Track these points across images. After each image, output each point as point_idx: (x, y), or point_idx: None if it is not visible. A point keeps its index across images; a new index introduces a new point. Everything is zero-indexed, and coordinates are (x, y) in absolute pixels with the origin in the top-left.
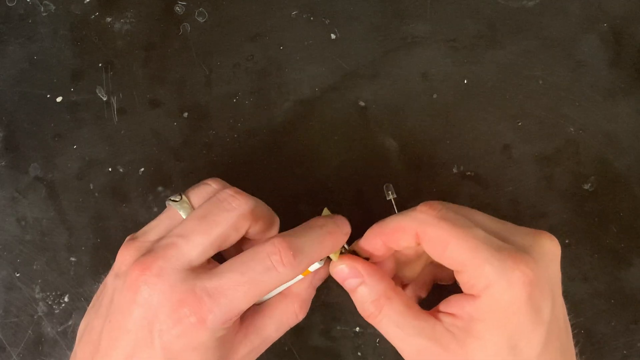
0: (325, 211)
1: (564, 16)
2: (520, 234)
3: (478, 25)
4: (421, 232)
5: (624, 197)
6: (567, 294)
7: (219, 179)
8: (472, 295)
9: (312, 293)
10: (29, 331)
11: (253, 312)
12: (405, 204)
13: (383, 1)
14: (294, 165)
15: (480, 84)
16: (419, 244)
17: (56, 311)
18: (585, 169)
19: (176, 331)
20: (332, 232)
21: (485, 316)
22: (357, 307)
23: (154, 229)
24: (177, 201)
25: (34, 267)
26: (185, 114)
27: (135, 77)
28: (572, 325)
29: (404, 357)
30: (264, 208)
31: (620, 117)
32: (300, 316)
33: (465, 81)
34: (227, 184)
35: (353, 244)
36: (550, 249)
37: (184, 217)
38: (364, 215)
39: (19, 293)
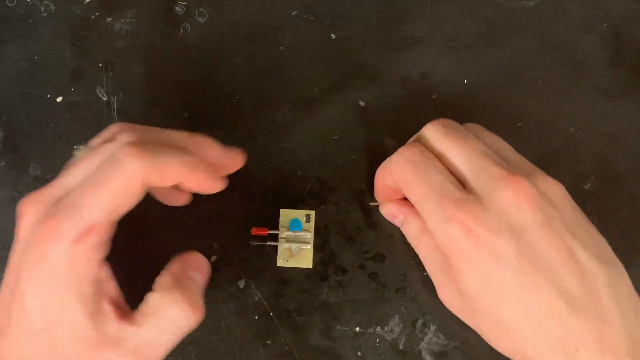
0: (283, 213)
1: (564, 16)
2: (484, 177)
3: (478, 25)
4: (393, 175)
5: (624, 197)
6: None
7: (125, 123)
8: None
9: (192, 286)
10: None
11: (136, 311)
12: None
13: (383, 1)
14: (294, 165)
15: (480, 84)
16: None
17: None
18: (585, 169)
19: (33, 265)
20: (197, 161)
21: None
22: (406, 235)
23: (55, 185)
24: (80, 149)
25: None
26: (185, 114)
27: (135, 77)
28: None
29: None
30: (173, 158)
31: (620, 117)
32: (190, 312)
33: (465, 81)
34: (131, 128)
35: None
36: (507, 199)
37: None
38: (364, 215)
39: None
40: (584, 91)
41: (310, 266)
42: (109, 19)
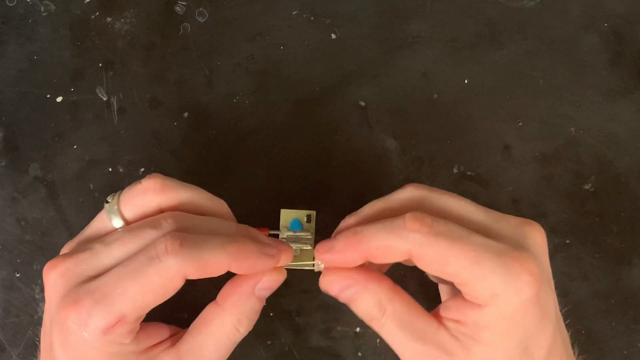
0: (284, 213)
1: (564, 16)
2: (510, 226)
3: (478, 25)
4: (416, 253)
5: (624, 197)
6: (567, 294)
7: (159, 180)
8: (476, 304)
9: (255, 304)
10: (29, 331)
11: (187, 332)
12: None
13: (383, 1)
14: (294, 165)
15: (480, 84)
16: (408, 259)
17: None
18: (585, 169)
19: (60, 341)
20: (244, 246)
21: (493, 324)
22: (358, 314)
23: (86, 259)
24: (109, 202)
25: (34, 267)
26: (185, 114)
27: (135, 77)
28: (572, 325)
29: None
30: (216, 252)
31: (620, 117)
32: (242, 330)
33: (466, 81)
34: (176, 215)
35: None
36: (541, 241)
37: (113, 224)
38: None
39: (19, 293)
40: (585, 91)
41: (311, 267)
42: (108, 19)
